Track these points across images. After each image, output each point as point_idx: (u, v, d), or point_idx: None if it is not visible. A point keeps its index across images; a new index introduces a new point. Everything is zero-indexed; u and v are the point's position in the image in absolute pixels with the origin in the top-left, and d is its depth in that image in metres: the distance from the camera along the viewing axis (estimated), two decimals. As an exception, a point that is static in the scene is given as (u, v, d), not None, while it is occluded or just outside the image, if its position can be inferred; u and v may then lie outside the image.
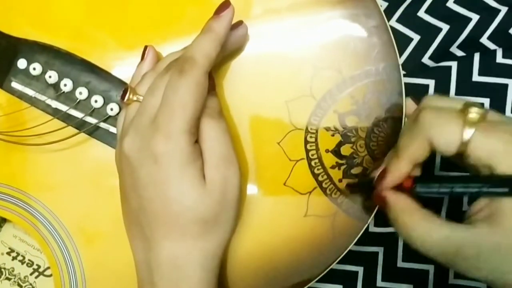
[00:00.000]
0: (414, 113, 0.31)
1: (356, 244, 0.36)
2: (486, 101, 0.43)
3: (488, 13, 0.45)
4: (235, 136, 0.36)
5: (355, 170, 0.36)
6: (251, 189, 0.36)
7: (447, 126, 0.29)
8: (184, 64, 0.30)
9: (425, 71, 0.44)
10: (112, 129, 0.37)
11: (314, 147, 0.36)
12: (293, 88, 0.36)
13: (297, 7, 0.36)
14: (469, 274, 0.29)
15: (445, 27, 0.45)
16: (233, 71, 0.37)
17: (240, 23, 0.35)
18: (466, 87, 0.44)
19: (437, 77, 0.44)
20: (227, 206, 0.32)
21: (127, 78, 0.37)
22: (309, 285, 0.36)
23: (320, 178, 0.36)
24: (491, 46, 0.44)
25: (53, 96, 0.37)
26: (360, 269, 0.44)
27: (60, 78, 0.37)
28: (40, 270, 0.41)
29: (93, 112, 0.37)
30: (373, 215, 0.36)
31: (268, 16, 0.36)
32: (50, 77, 0.37)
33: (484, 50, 0.44)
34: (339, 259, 0.36)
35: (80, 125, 0.37)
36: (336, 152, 0.36)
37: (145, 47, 0.36)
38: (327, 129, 0.36)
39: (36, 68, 0.37)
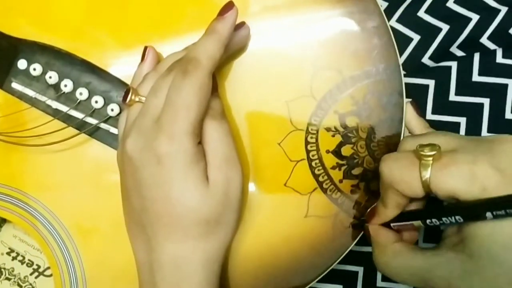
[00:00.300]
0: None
1: (356, 244, 0.36)
2: (486, 101, 0.43)
3: (488, 13, 0.45)
4: (236, 137, 0.36)
5: (355, 171, 0.36)
6: (252, 189, 0.36)
7: (405, 173, 0.29)
8: (187, 65, 0.30)
9: (425, 71, 0.44)
10: (113, 130, 0.37)
11: (314, 148, 0.36)
12: (293, 88, 0.36)
13: (297, 5, 0.36)
14: None
15: (445, 27, 0.45)
16: (233, 71, 0.36)
17: (242, 24, 0.35)
18: (466, 87, 0.44)
19: (437, 77, 0.44)
20: (230, 207, 0.32)
21: (127, 79, 0.37)
22: (309, 285, 0.36)
23: (320, 179, 0.36)
24: (491, 46, 0.45)
25: (54, 96, 0.37)
26: (360, 269, 0.44)
27: (61, 79, 0.37)
28: (40, 270, 0.41)
29: (93, 112, 0.37)
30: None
31: (267, 14, 0.36)
32: (50, 77, 0.37)
33: (484, 50, 0.44)
34: (339, 259, 0.36)
35: (81, 126, 0.37)
36: (336, 152, 0.36)
37: (145, 48, 0.36)
38: (328, 129, 0.36)
39: (36, 69, 0.37)
